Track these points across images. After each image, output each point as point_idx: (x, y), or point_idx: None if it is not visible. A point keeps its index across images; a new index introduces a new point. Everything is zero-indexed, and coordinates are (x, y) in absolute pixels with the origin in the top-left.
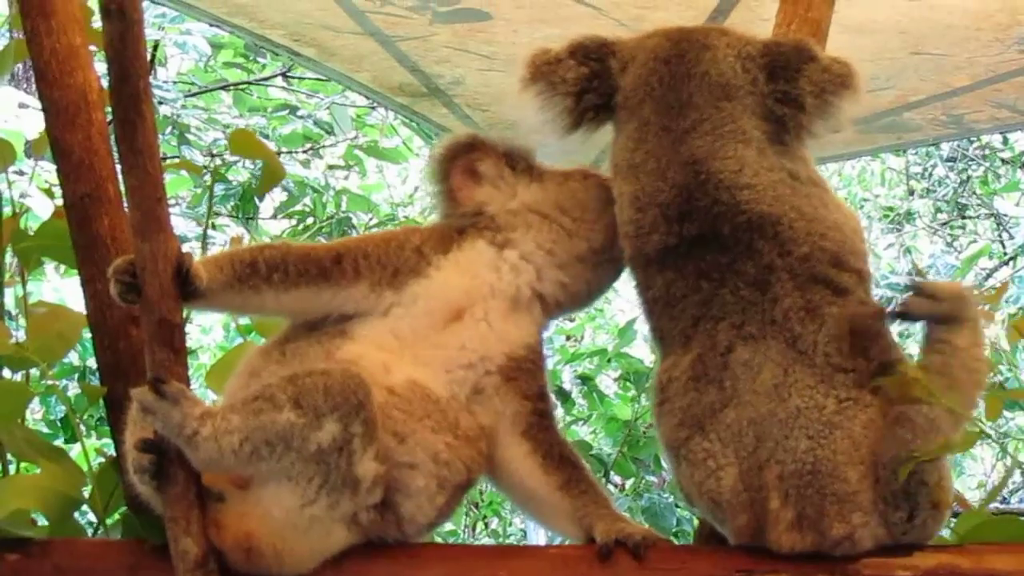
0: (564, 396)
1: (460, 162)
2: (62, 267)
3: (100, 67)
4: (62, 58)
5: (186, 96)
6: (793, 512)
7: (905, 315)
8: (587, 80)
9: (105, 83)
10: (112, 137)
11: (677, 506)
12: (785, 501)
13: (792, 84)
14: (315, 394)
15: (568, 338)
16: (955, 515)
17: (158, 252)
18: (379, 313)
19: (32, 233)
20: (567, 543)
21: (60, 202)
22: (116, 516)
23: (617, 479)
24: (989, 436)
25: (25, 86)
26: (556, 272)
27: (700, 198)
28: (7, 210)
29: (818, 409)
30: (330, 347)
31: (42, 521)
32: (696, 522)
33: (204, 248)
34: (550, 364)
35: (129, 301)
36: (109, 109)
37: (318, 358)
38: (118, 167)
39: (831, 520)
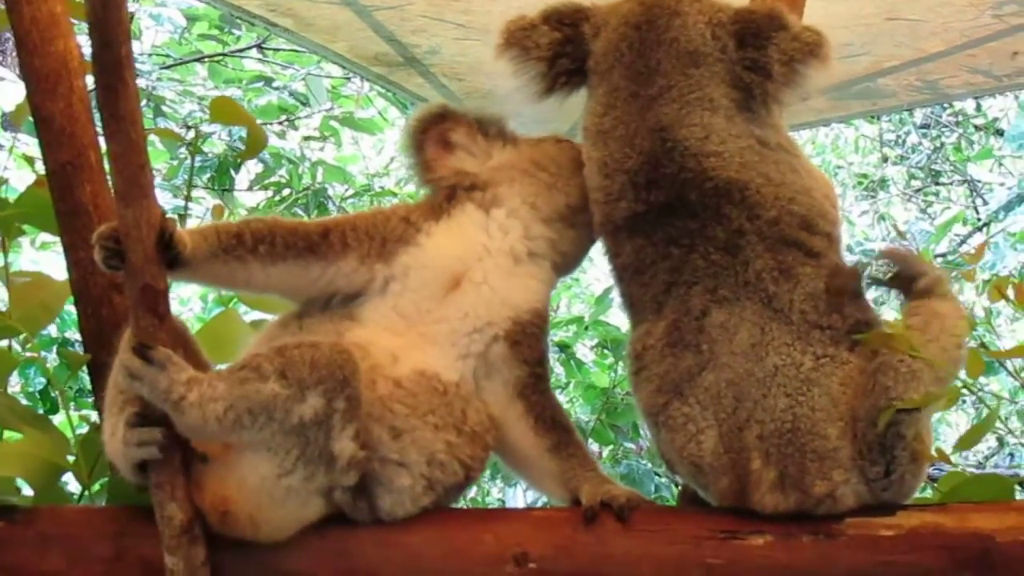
0: None
1: (432, 132)
2: (38, 240)
3: (81, 36)
4: (43, 26)
5: (161, 68)
6: (775, 472)
7: (881, 282)
8: (560, 45)
9: (87, 51)
10: (94, 105)
11: (656, 472)
12: (767, 461)
13: (761, 52)
14: (301, 367)
15: None
16: (933, 480)
17: (141, 218)
18: (378, 292)
19: (12, 202)
20: (550, 506)
21: (41, 171)
22: (100, 484)
23: (595, 446)
24: (972, 392)
25: (0, 58)
26: (543, 228)
27: (667, 165)
28: None
29: (795, 367)
30: (340, 328)
31: (27, 490)
32: (675, 488)
33: (184, 219)
34: None
35: (113, 267)
36: (90, 77)
37: (328, 337)
38: (100, 135)
39: (813, 478)
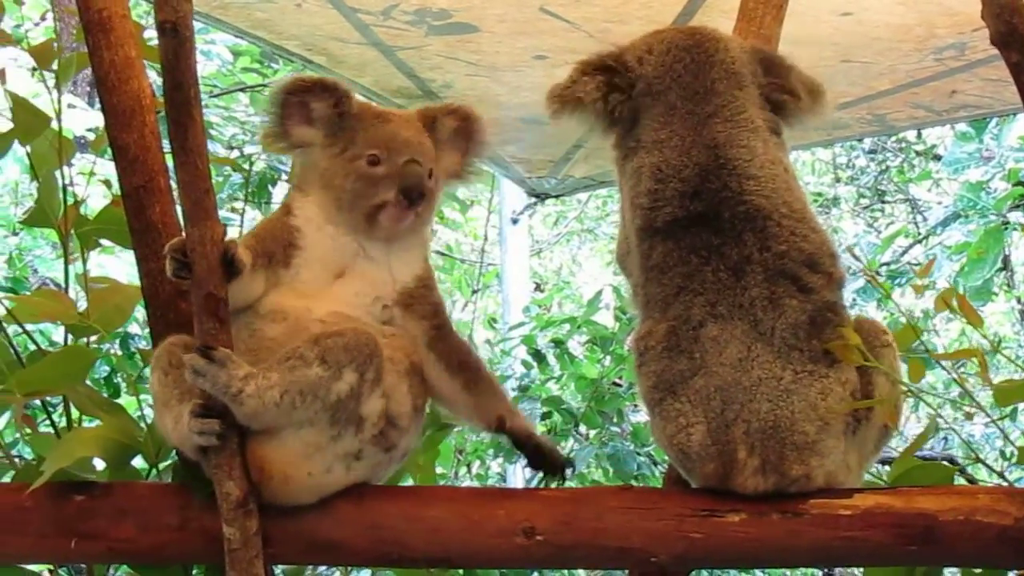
0: (539, 358)
1: (298, 98)
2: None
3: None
4: (119, 68)
5: (210, 96)
6: (759, 460)
7: None
8: (607, 85)
9: (156, 90)
10: (163, 136)
11: (637, 453)
12: (751, 451)
13: (785, 78)
14: (337, 351)
15: (539, 306)
16: (881, 460)
17: (205, 236)
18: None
19: (91, 219)
20: (554, 487)
21: (117, 192)
22: (166, 463)
23: (584, 429)
24: (913, 395)
25: (71, 88)
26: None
27: (713, 181)
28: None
29: (776, 379)
30: (257, 306)
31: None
32: (654, 467)
33: (241, 227)
34: (527, 331)
35: (181, 277)
36: (160, 112)
37: (250, 314)
38: (168, 162)
39: (791, 463)
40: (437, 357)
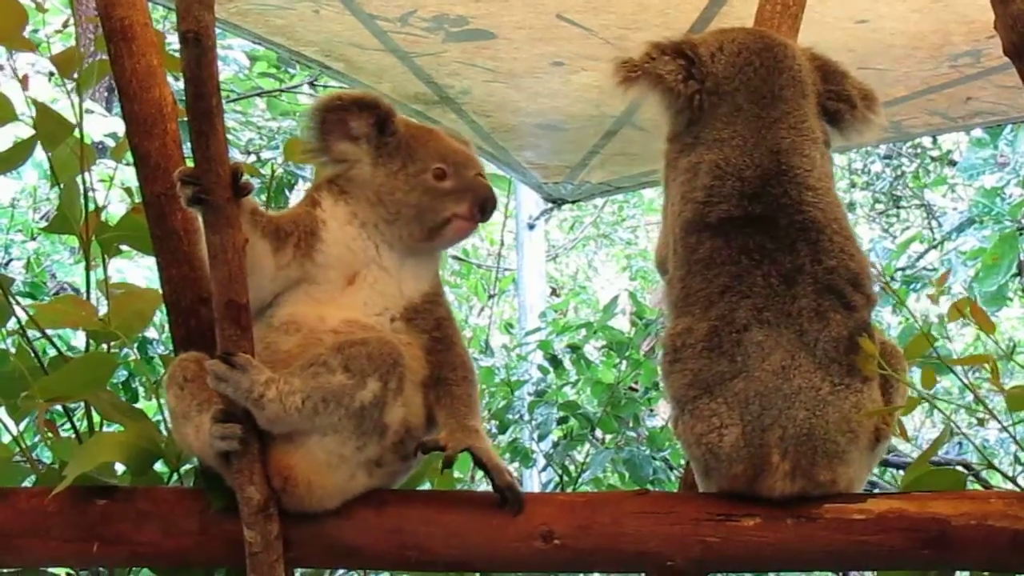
0: (556, 363)
1: (337, 115)
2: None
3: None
4: (141, 76)
5: (227, 102)
6: (790, 464)
7: None
8: (685, 69)
9: (178, 95)
10: (184, 144)
11: (653, 458)
12: (784, 456)
13: (842, 86)
14: (361, 360)
15: (556, 311)
16: (896, 465)
17: (227, 243)
18: (292, 289)
19: (113, 226)
20: (571, 491)
21: (133, 198)
22: (187, 467)
23: (600, 434)
24: (927, 401)
25: (88, 91)
26: (398, 246)
27: (775, 186)
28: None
29: (815, 390)
30: (270, 318)
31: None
32: (670, 472)
33: None
34: (543, 336)
35: (199, 201)
36: (182, 119)
37: (264, 327)
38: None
39: (820, 469)
40: (428, 366)
